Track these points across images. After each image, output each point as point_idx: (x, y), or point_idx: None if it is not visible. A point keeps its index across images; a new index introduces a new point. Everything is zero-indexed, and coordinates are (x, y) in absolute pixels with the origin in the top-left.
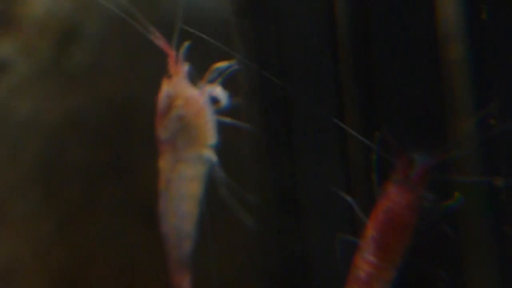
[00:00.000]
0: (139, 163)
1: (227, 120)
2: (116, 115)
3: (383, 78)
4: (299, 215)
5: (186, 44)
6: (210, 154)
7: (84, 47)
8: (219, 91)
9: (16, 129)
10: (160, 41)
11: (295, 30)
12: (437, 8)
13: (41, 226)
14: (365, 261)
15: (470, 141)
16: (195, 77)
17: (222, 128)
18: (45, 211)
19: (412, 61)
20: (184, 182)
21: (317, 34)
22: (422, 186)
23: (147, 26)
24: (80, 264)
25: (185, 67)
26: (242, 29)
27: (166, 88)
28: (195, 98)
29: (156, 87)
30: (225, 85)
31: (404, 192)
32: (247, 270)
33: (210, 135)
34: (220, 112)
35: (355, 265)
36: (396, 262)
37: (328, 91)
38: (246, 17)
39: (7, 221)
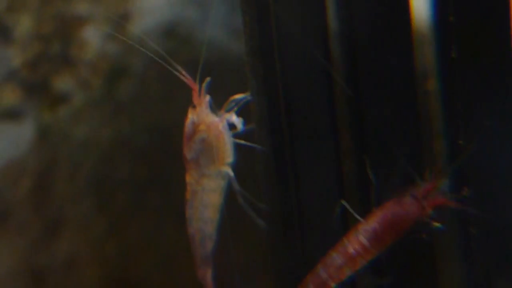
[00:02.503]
0: (174, 177)
1: (242, 142)
2: (156, 138)
3: (372, 109)
4: (302, 221)
5: (208, 79)
6: (228, 170)
7: (129, 82)
8: (235, 119)
9: (75, 149)
10: (186, 78)
11: (297, 68)
12: (415, 49)
13: (95, 227)
14: (359, 242)
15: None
16: (215, 107)
17: (238, 149)
18: (98, 215)
19: (396, 93)
20: (207, 193)
21: (316, 72)
22: (432, 209)
23: (176, 66)
24: (128, 257)
25: (207, 99)
26: (253, 67)
27: (191, 116)
28: (215, 124)
29: (185, 115)
30: (240, 114)
31: (417, 207)
32: (259, 264)
33: (228, 155)
34: (236, 135)
35: (347, 239)
36: (382, 251)
37: (326, 118)
38: (257, 57)
39: (68, 224)
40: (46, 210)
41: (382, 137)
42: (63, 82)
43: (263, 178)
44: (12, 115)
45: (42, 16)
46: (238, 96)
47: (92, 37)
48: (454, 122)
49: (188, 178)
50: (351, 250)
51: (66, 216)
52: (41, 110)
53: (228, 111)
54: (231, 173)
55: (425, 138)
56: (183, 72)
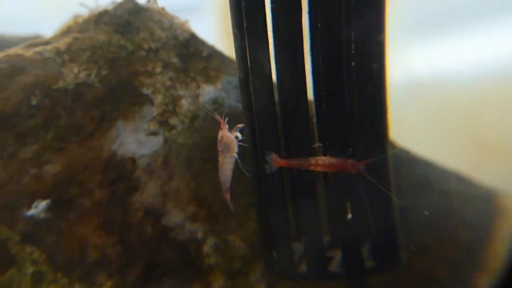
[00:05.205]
0: (216, 157)
1: (241, 143)
2: (209, 142)
3: (293, 129)
4: (264, 172)
5: (227, 118)
6: (235, 155)
7: (199, 121)
8: (238, 134)
9: (179, 147)
10: (219, 118)
11: (262, 115)
12: (309, 107)
13: (186, 176)
14: (323, 161)
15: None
16: (230, 129)
17: (239, 147)
18: (187, 172)
19: (302, 124)
20: (227, 164)
21: (270, 119)
22: (353, 171)
23: (216, 114)
24: (199, 188)
25: (226, 126)
26: (245, 114)
27: (220, 133)
28: (230, 136)
29: (218, 133)
30: (241, 132)
31: (350, 168)
32: (249, 194)
33: (235, 149)
34: (238, 141)
35: (315, 158)
36: (325, 171)
37: (273, 134)
38: (246, 110)
39: (176, 175)
40: (172, 170)
41: (298, 142)
42: (173, 121)
43: (249, 158)
44: (154, 134)
45: (165, 96)
46: (239, 125)
47: (185, 104)
48: (323, 133)
49: (219, 158)
50: (320, 161)
51: (176, 173)
52: (164, 131)
53: (236, 131)
54: (236, 156)
55: (312, 139)
56: (218, 116)
